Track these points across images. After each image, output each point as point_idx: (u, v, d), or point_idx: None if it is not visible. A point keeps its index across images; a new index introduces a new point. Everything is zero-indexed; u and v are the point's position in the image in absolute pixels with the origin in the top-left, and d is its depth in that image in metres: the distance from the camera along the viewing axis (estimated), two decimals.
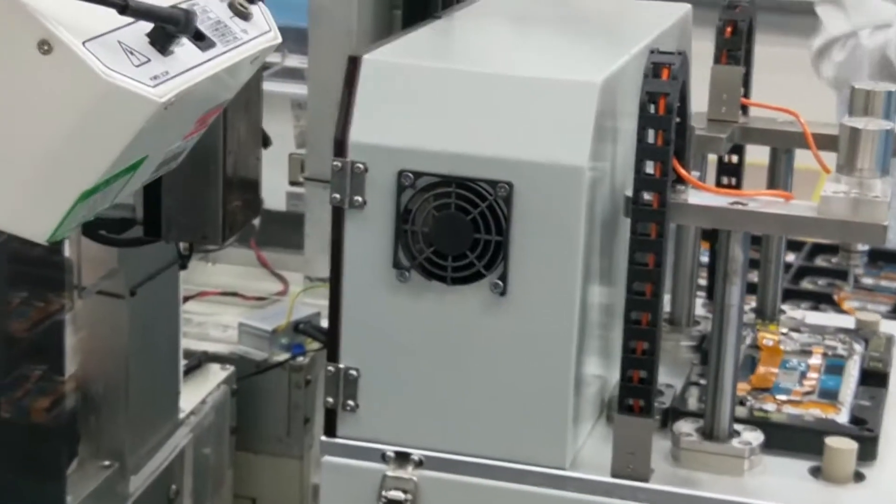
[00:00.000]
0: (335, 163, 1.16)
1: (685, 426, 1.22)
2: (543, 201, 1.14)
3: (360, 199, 1.17)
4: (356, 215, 1.17)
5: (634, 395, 1.15)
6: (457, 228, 1.15)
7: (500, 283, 1.15)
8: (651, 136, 1.13)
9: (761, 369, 1.34)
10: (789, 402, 1.28)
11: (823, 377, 1.33)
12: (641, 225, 1.14)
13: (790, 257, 2.97)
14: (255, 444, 1.91)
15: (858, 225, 1.15)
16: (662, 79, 1.13)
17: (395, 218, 1.16)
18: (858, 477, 1.18)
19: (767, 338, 1.40)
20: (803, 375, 1.33)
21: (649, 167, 1.13)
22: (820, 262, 2.77)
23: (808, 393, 1.30)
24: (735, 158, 1.49)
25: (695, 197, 1.17)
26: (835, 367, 1.35)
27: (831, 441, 1.18)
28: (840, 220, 1.15)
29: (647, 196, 1.13)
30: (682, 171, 1.18)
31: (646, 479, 1.16)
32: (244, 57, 1.07)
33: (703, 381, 1.29)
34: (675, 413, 1.25)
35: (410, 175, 1.15)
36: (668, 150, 1.12)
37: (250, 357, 1.92)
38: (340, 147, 1.16)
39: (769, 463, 1.20)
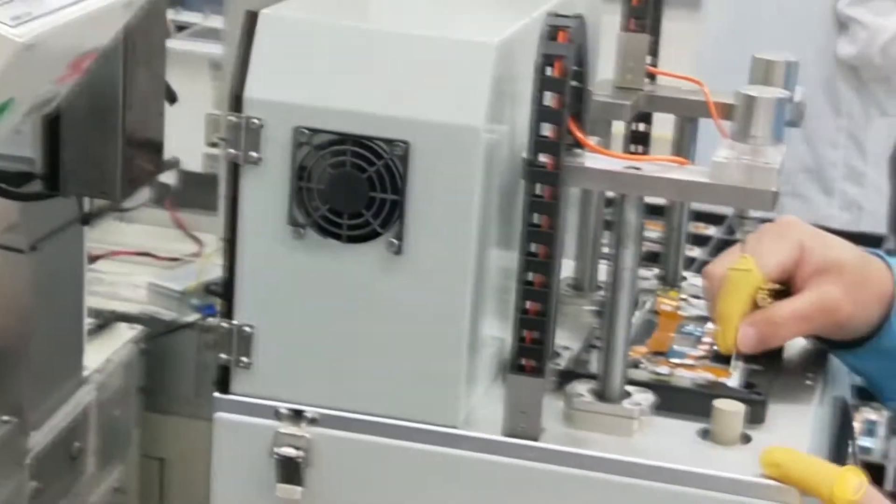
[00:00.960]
0: (230, 118, 1.16)
1: (578, 387, 1.23)
2: (439, 161, 1.15)
3: (255, 154, 1.17)
4: (252, 171, 1.17)
5: (526, 356, 1.16)
6: (352, 186, 1.16)
7: (396, 242, 1.16)
8: (547, 98, 1.13)
9: (659, 334, 1.36)
10: (683, 365, 1.29)
11: None
12: (536, 186, 1.14)
13: (711, 230, 3.01)
14: (164, 404, 1.91)
15: (749, 191, 1.16)
16: (559, 41, 1.13)
17: (291, 175, 1.16)
18: (745, 439, 1.20)
19: (666, 303, 1.42)
20: (699, 340, 1.35)
21: (545, 129, 1.14)
22: (740, 235, 2.81)
23: (702, 357, 1.31)
24: (643, 127, 1.51)
25: (591, 161, 1.18)
26: None
27: (719, 403, 1.20)
28: (731, 186, 1.16)
29: (542, 158, 1.14)
30: (580, 135, 1.19)
31: (536, 438, 1.17)
32: (114, 1, 1.06)
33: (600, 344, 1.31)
34: (570, 375, 1.26)
35: (306, 132, 1.15)
36: (563, 112, 1.13)
37: (160, 317, 1.91)
38: (236, 102, 1.16)
39: (660, 424, 1.21)
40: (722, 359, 1.30)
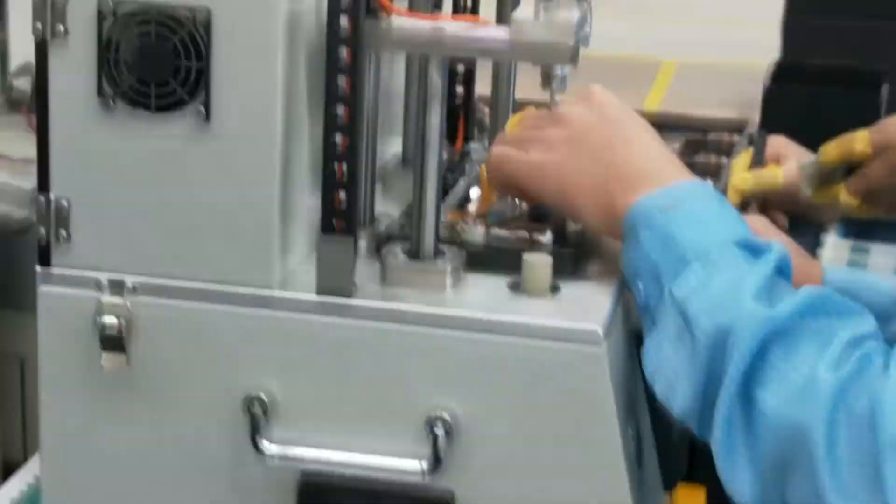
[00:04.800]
0: None
1: (393, 248, 1.26)
2: (242, 28, 1.17)
3: (62, 28, 1.18)
4: (59, 46, 1.19)
5: (336, 216, 1.19)
6: (158, 56, 1.17)
7: (203, 109, 1.18)
8: None
9: (481, 198, 1.40)
10: (498, 224, 1.33)
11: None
12: (337, 50, 1.17)
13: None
14: (18, 300, 1.92)
15: (547, 45, 1.19)
16: None
17: (97, 47, 1.18)
18: (555, 290, 1.24)
19: None
20: (519, 204, 1.38)
21: None
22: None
23: (518, 217, 1.35)
24: (469, 2, 1.53)
25: (393, 23, 1.21)
26: None
27: (528, 256, 1.24)
28: (530, 42, 1.20)
29: (342, 21, 1.17)
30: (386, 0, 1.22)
31: (349, 296, 1.20)
32: None
33: None
34: (387, 238, 1.29)
35: (110, 3, 1.17)
36: None
37: (11, 216, 1.92)
38: None
39: (472, 280, 1.25)
40: (539, 218, 1.34)
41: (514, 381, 1.19)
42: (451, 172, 1.46)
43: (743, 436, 1.10)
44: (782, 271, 1.16)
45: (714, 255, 1.16)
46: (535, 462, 1.20)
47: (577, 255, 1.28)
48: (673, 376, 1.15)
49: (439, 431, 1.19)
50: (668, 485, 1.35)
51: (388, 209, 1.37)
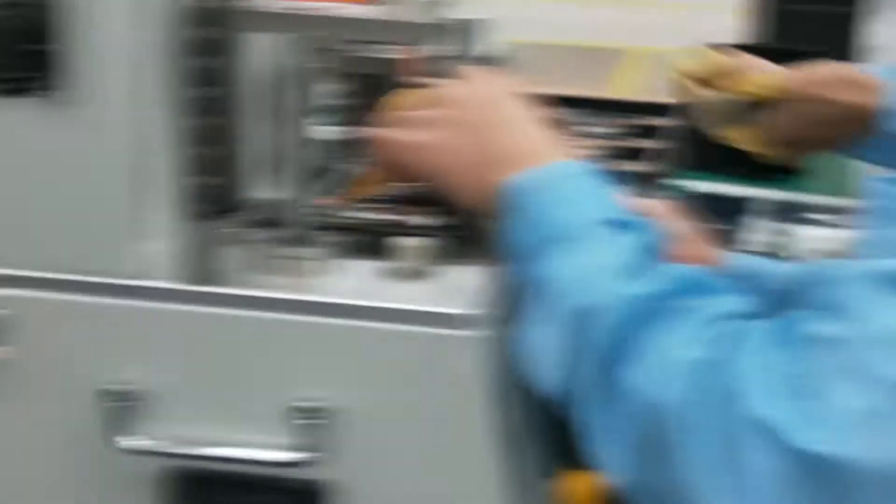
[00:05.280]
0: None
1: (264, 234, 1.23)
2: (87, 8, 1.12)
3: None
4: None
5: (204, 200, 1.16)
6: (3, 40, 1.14)
7: (51, 93, 1.14)
8: None
9: (364, 181, 1.36)
10: (379, 207, 1.30)
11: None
12: (203, 30, 1.14)
13: None
14: None
15: (411, 25, 1.17)
16: None
17: None
18: (429, 274, 1.21)
19: None
20: (406, 186, 1.35)
21: None
22: None
23: (400, 199, 1.32)
24: None
25: (254, 2, 1.18)
26: None
27: (401, 241, 1.21)
28: (394, 21, 1.17)
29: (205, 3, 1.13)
30: None
31: (214, 283, 1.17)
32: None
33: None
34: (259, 224, 1.26)
35: None
36: None
37: None
38: None
39: (347, 266, 1.23)
40: (420, 201, 1.31)
41: (385, 367, 1.16)
42: (349, 153, 1.43)
43: (608, 417, 1.08)
44: (650, 249, 1.14)
45: (583, 233, 1.14)
46: (407, 448, 1.17)
47: (455, 238, 1.25)
48: (542, 359, 1.12)
49: (310, 421, 1.16)
50: (552, 471, 1.33)
51: (266, 191, 1.33)
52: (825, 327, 1.01)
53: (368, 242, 1.24)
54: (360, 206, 1.30)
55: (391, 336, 1.16)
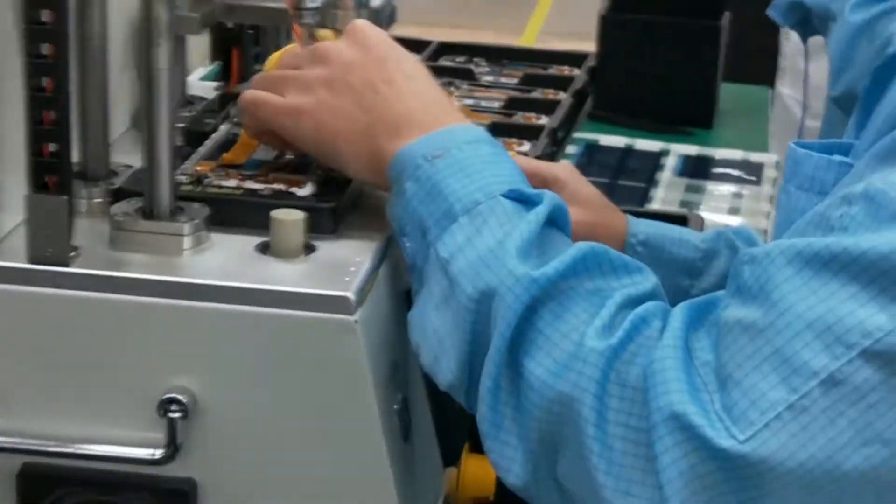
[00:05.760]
0: None
1: (125, 206, 1.11)
2: None
3: None
4: None
5: (47, 171, 1.04)
6: None
7: None
8: None
9: (238, 146, 1.25)
10: (253, 176, 1.18)
11: None
12: None
13: None
14: None
15: None
16: None
17: None
18: (309, 249, 1.10)
19: None
20: (281, 152, 1.24)
21: None
22: (444, 61, 2.71)
23: (281, 168, 1.21)
24: None
25: None
26: None
27: (276, 213, 1.09)
28: None
29: None
30: None
31: (65, 263, 1.05)
32: None
33: None
34: (122, 193, 1.14)
35: None
36: None
37: None
38: None
39: (218, 241, 1.11)
40: (304, 168, 1.20)
41: (259, 355, 1.05)
42: (214, 116, 1.31)
43: (510, 410, 0.98)
44: (556, 223, 1.03)
45: (482, 207, 1.03)
46: (286, 442, 1.06)
47: (337, 209, 1.14)
48: (438, 345, 1.02)
49: (175, 414, 1.05)
50: (451, 459, 1.23)
51: (131, 160, 1.21)
52: (745, 312, 0.91)
53: (245, 214, 1.12)
54: (236, 174, 1.18)
55: (263, 320, 1.04)
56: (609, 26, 2.52)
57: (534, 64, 2.67)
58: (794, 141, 1.08)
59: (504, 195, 1.03)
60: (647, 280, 1.00)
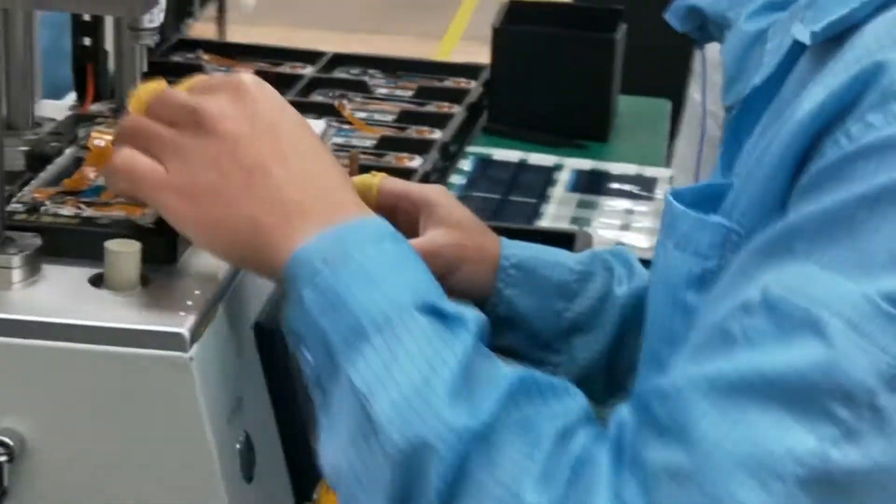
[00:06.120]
0: None
1: None
2: None
3: None
4: None
5: None
6: None
7: None
8: None
9: (80, 171, 1.19)
10: (94, 203, 1.13)
11: None
12: None
13: (307, 70, 2.86)
14: None
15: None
16: None
17: None
18: (146, 282, 1.05)
19: (101, 137, 1.25)
20: None
21: None
22: (339, 73, 2.66)
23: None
24: None
25: None
26: None
27: (110, 244, 1.04)
28: None
29: None
30: None
31: None
32: None
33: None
34: None
35: None
36: None
37: None
38: None
39: (51, 273, 1.06)
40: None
41: (91, 394, 1.00)
42: (59, 139, 1.26)
43: None
44: (477, 347, 0.95)
45: (395, 325, 0.93)
46: (122, 484, 1.01)
47: (178, 239, 1.09)
48: (356, 483, 0.93)
49: (1, 458, 1.00)
50: (306, 493, 1.18)
51: None
52: (669, 456, 0.84)
53: (80, 244, 1.07)
54: (75, 200, 1.13)
55: (91, 358, 1.00)
56: (503, 38, 2.49)
57: (430, 76, 2.64)
58: (670, 189, 1.03)
59: (420, 309, 0.96)
60: (576, 402, 0.93)
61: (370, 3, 7.05)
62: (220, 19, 3.70)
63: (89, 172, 1.18)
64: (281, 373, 1.12)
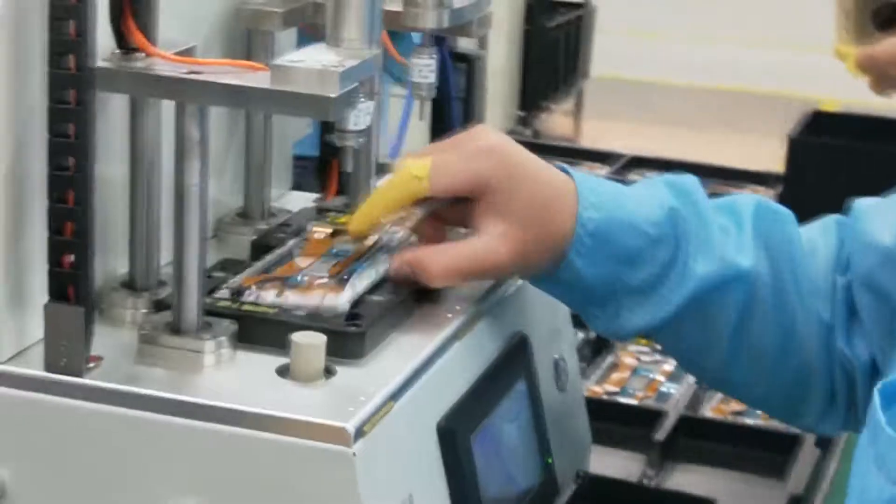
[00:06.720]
0: None
1: (154, 318, 1.11)
2: None
3: None
4: None
5: (67, 281, 1.05)
6: None
7: None
8: None
9: (296, 260, 1.23)
10: (297, 288, 1.16)
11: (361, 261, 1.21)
12: (60, 93, 1.02)
13: (602, 171, 2.86)
14: None
15: (306, 97, 1.03)
16: None
17: None
18: (329, 374, 1.08)
19: (321, 231, 1.29)
20: (340, 260, 1.21)
21: (67, 27, 1.02)
22: (633, 175, 2.67)
23: (326, 279, 1.18)
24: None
25: (140, 64, 1.06)
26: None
27: (297, 336, 1.07)
28: (291, 92, 1.04)
29: (65, 61, 1.02)
30: (140, 37, 1.07)
31: (79, 374, 1.05)
32: None
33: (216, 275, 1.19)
34: (161, 305, 1.14)
35: None
36: (83, 8, 1.01)
37: None
38: None
39: (243, 359, 1.10)
40: (343, 280, 1.17)
41: (256, 479, 1.02)
42: (286, 230, 1.31)
43: None
44: None
45: None
46: None
47: (366, 335, 1.11)
48: None
49: None
50: None
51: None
52: None
53: (269, 334, 1.11)
54: (278, 285, 1.16)
55: (262, 446, 1.02)
56: (799, 148, 2.43)
57: (721, 181, 2.61)
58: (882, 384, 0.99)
59: None
60: None
61: None
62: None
63: (301, 262, 1.22)
64: (463, 476, 1.12)
